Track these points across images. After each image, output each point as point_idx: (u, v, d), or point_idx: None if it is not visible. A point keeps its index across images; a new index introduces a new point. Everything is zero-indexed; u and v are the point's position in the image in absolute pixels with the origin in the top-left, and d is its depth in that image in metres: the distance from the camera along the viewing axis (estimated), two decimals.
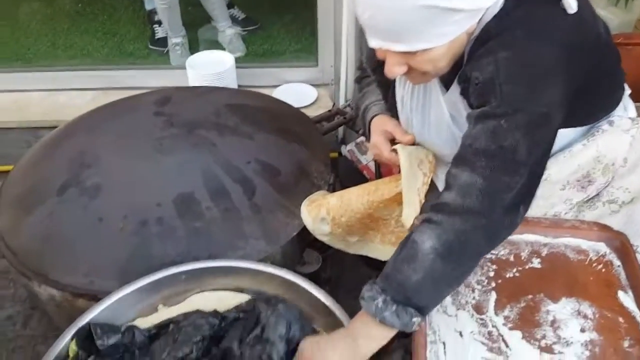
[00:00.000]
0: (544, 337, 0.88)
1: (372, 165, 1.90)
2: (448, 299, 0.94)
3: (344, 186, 2.03)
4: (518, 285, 0.96)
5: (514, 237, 1.03)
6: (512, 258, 1.02)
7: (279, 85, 2.19)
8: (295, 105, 1.93)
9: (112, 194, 1.26)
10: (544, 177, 1.03)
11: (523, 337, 0.88)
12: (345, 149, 2.06)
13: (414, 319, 0.83)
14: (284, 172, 1.36)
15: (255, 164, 1.34)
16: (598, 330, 0.88)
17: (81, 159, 1.35)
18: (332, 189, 1.87)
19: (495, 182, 0.85)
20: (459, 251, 0.85)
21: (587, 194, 1.11)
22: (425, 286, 0.84)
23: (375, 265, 1.23)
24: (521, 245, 1.04)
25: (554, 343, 0.87)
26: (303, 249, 1.46)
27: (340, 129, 2.18)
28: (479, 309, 0.93)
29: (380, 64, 0.97)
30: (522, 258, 1.01)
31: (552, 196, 1.11)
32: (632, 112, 1.13)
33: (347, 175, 2.02)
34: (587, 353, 0.85)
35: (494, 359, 0.85)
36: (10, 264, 1.23)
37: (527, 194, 0.89)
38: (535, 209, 1.12)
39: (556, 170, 1.07)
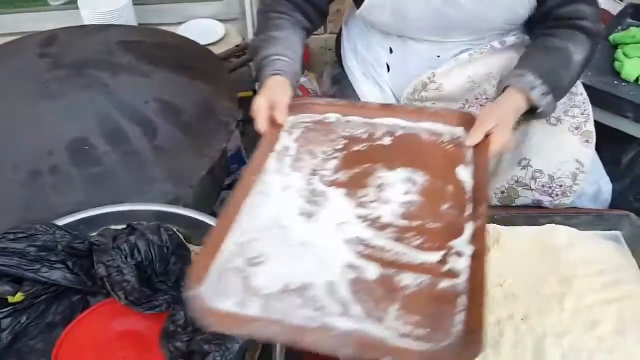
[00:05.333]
0: (365, 195, 0.89)
1: None
2: (287, 163, 0.96)
3: None
4: (361, 156, 0.97)
5: (375, 119, 1.04)
6: (365, 136, 1.01)
7: (183, 22, 2.06)
8: (202, 42, 1.82)
9: None
10: (441, 92, 1.07)
11: (345, 195, 0.89)
12: (258, 86, 2.00)
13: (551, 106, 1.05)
14: (186, 111, 1.28)
15: (154, 103, 1.26)
16: (421, 194, 0.88)
17: None
18: (242, 125, 1.83)
19: (597, 6, 1.10)
20: (587, 65, 1.09)
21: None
22: (568, 90, 1.10)
23: None
24: (379, 127, 1.03)
25: (373, 201, 0.88)
26: (219, 190, 1.42)
27: (253, 67, 2.11)
28: (314, 172, 0.94)
29: None
30: (375, 136, 1.01)
31: None
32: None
33: None
34: (402, 210, 0.85)
35: (308, 208, 0.87)
36: None
37: None
38: None
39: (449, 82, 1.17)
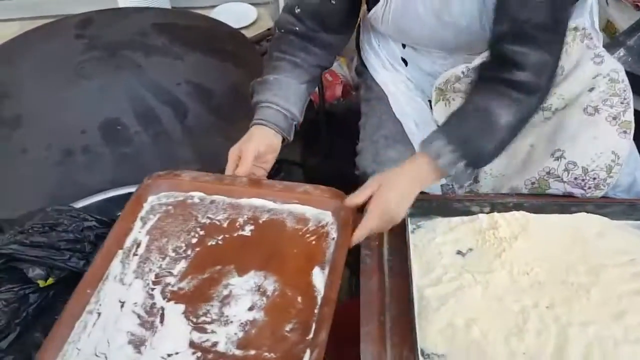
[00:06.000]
0: (206, 313, 0.84)
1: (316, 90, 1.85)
2: (133, 267, 0.90)
3: None
4: (214, 255, 0.92)
5: (241, 200, 0.99)
6: (226, 224, 0.96)
7: (216, 6, 2.08)
8: (235, 26, 1.84)
9: (34, 123, 1.20)
10: None
11: (184, 312, 0.84)
12: None
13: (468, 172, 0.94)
14: (217, 94, 1.30)
15: (185, 85, 1.28)
16: (267, 310, 0.84)
17: None
18: None
19: (557, 56, 0.95)
20: (523, 125, 0.97)
21: None
22: (494, 155, 0.96)
23: None
24: (244, 210, 0.98)
25: (213, 321, 0.83)
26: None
27: None
28: (158, 278, 0.88)
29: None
30: (237, 224, 0.96)
31: None
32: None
33: None
34: (241, 334, 0.81)
35: (140, 334, 0.81)
36: None
37: None
38: None
39: None
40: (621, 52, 1.35)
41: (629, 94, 1.09)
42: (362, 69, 1.36)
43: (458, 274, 0.92)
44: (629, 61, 1.37)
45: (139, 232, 0.95)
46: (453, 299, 0.88)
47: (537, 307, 0.86)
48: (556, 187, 1.05)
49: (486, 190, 1.13)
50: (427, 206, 1.02)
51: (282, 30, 1.12)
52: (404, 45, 1.22)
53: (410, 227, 0.99)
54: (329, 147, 1.83)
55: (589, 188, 1.03)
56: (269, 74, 1.09)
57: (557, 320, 0.84)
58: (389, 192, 0.90)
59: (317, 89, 1.80)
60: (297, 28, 1.10)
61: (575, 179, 1.03)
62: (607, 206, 1.00)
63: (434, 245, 0.98)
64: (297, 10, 1.09)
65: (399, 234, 0.98)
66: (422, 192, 1.13)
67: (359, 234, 0.89)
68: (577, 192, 1.04)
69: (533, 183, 1.07)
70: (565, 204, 1.01)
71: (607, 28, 1.49)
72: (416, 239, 0.99)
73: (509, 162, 1.12)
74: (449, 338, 0.84)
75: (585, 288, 0.88)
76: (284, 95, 1.07)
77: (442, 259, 0.95)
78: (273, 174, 1.93)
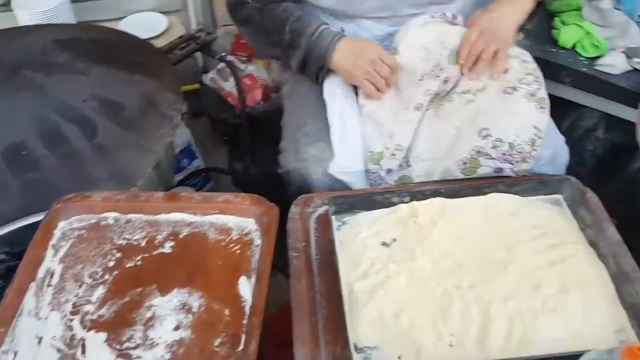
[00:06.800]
0: (130, 338, 0.82)
1: (235, 92, 1.83)
2: (47, 298, 0.87)
3: (209, 116, 1.98)
4: (134, 276, 0.90)
5: (159, 216, 0.98)
6: (144, 243, 0.94)
7: (124, 17, 2.01)
8: (145, 36, 1.79)
9: None
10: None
11: (106, 341, 0.82)
12: (207, 78, 1.97)
13: None
14: (128, 107, 1.26)
15: (92, 101, 1.23)
16: (193, 328, 0.83)
17: None
18: (188, 118, 1.80)
19: None
20: None
21: (441, 80, 1.17)
22: None
23: None
24: (162, 226, 0.97)
25: (137, 346, 0.81)
26: (169, 187, 1.40)
27: (200, 59, 2.08)
28: (76, 308, 0.86)
29: None
30: (156, 242, 0.94)
31: (410, 85, 1.18)
32: None
33: (212, 104, 1.95)
34: (168, 356, 0.80)
35: None
36: None
37: None
38: (399, 103, 1.19)
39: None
40: (520, 35, 1.41)
41: (540, 74, 1.15)
42: None
43: (384, 265, 0.93)
44: (529, 44, 1.43)
45: (51, 261, 0.91)
46: (381, 291, 0.89)
47: (460, 288, 0.89)
48: (487, 164, 1.09)
49: (418, 174, 1.16)
50: (349, 202, 1.03)
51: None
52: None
53: (335, 224, 1.00)
54: (254, 151, 1.82)
55: (517, 162, 1.07)
56: (293, 15, 1.21)
57: (478, 299, 0.87)
58: (484, 14, 1.12)
59: (237, 93, 1.79)
60: None
61: (503, 154, 1.07)
62: (517, 184, 1.05)
63: (359, 239, 0.99)
64: None
65: (324, 233, 0.99)
66: (343, 189, 1.15)
67: (463, 50, 1.15)
68: (506, 166, 1.08)
69: (465, 163, 1.10)
70: (478, 186, 1.05)
71: None
72: (341, 235, 1.00)
73: (438, 145, 1.16)
74: (379, 329, 0.85)
75: (502, 265, 0.92)
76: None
77: (368, 252, 0.96)
78: (201, 184, 1.91)
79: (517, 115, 1.09)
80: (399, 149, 1.15)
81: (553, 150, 1.16)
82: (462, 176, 1.10)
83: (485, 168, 1.09)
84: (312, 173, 1.17)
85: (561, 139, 1.21)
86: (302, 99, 1.29)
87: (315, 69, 1.22)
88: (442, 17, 1.25)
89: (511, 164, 1.08)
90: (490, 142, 1.08)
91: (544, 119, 1.09)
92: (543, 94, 1.12)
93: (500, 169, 1.09)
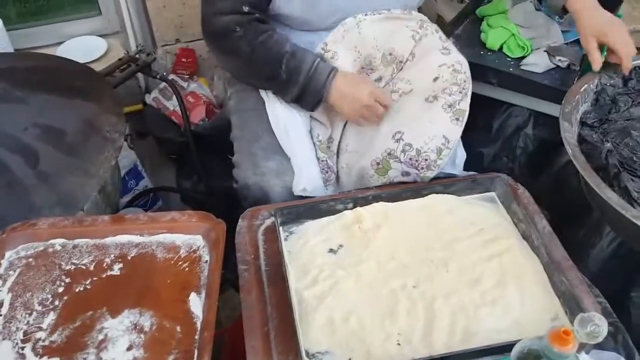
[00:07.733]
0: None
1: (179, 110, 1.83)
2: None
3: (154, 136, 1.97)
4: (84, 301, 0.90)
5: (106, 240, 0.99)
6: (92, 267, 0.95)
7: (62, 42, 1.99)
8: (85, 60, 1.78)
9: None
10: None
11: None
12: (150, 98, 1.97)
13: None
14: (69, 132, 1.25)
15: (33, 129, 1.21)
16: (146, 347, 0.84)
17: None
18: (131, 140, 1.79)
19: None
20: None
21: (373, 79, 1.24)
22: None
23: None
24: (110, 249, 0.98)
25: None
26: (116, 210, 1.39)
27: (142, 79, 2.07)
28: (27, 336, 0.86)
29: None
30: (104, 265, 0.95)
31: None
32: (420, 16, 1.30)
33: (157, 123, 1.94)
34: None
35: None
36: None
37: None
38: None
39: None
40: (451, 39, 1.47)
41: (468, 85, 1.19)
42: (234, 80, 1.38)
43: (332, 271, 0.96)
44: (459, 49, 1.50)
45: None
46: (330, 296, 0.92)
47: (405, 288, 0.93)
48: (396, 167, 1.14)
49: (343, 165, 1.23)
50: (295, 212, 1.06)
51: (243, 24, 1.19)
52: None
53: (282, 234, 1.03)
54: (202, 167, 1.82)
55: (422, 168, 1.12)
56: (284, 47, 1.19)
57: (423, 296, 0.91)
58: (609, 17, 1.21)
59: (180, 112, 1.79)
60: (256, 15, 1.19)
61: (410, 159, 1.12)
62: (453, 185, 1.10)
63: (307, 248, 1.01)
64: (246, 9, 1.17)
65: (273, 244, 1.01)
66: (291, 201, 1.18)
67: (630, 65, 1.22)
68: (412, 171, 1.13)
69: (378, 163, 1.15)
70: (416, 188, 1.10)
71: (438, 22, 1.62)
72: (290, 245, 1.03)
73: (362, 138, 1.21)
74: (330, 334, 0.88)
75: (443, 262, 0.96)
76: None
77: (316, 260, 0.99)
78: (150, 203, 1.90)
79: (431, 124, 1.14)
80: (331, 140, 1.24)
81: (453, 151, 1.20)
82: (376, 176, 1.16)
83: (394, 171, 1.15)
84: (272, 186, 1.20)
85: (460, 142, 1.25)
86: (251, 113, 1.31)
87: (311, 101, 1.22)
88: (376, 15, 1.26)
89: (417, 169, 1.13)
90: (401, 146, 1.13)
91: (456, 130, 1.14)
92: (464, 106, 1.15)
93: (407, 173, 1.14)
